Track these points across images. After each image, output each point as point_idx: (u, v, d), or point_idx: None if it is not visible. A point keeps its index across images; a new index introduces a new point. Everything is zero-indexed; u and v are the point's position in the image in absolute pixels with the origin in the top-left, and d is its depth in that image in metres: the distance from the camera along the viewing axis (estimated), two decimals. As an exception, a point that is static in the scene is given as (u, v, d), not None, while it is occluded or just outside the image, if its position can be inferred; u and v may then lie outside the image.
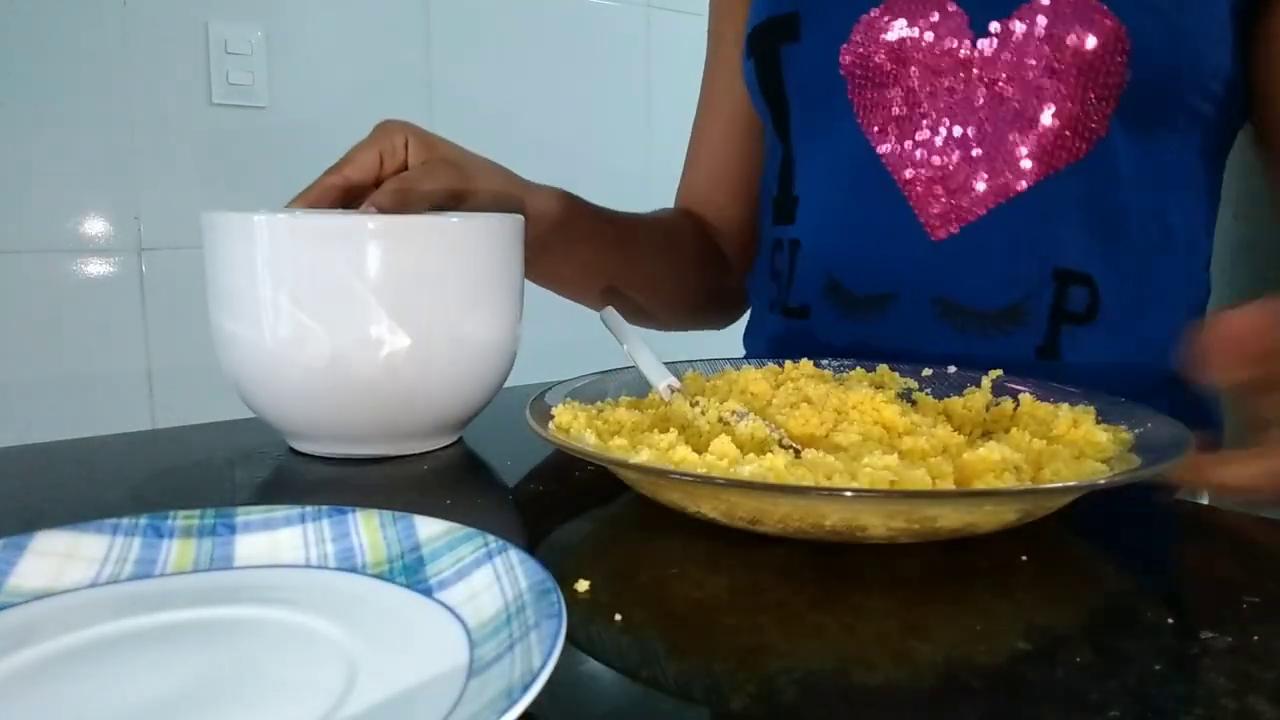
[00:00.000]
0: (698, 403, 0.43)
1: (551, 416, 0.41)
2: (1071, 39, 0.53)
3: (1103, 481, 0.33)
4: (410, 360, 0.43)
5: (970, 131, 0.56)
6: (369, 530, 0.31)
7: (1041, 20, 0.53)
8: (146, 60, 1.17)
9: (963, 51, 0.56)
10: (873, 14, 0.58)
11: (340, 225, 0.43)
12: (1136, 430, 0.40)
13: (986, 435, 0.44)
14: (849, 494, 0.31)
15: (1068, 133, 0.54)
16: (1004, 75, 0.55)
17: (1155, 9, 0.52)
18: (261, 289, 0.43)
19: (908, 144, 0.58)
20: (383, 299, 0.42)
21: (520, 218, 0.48)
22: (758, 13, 0.65)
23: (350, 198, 0.49)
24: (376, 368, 0.43)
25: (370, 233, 0.42)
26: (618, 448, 0.37)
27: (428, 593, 0.28)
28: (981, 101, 0.56)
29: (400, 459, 0.46)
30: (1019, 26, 0.54)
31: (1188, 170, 0.58)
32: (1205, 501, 0.62)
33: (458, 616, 0.26)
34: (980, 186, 0.56)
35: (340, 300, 0.42)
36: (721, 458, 0.36)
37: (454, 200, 0.50)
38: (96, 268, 1.17)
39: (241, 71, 1.23)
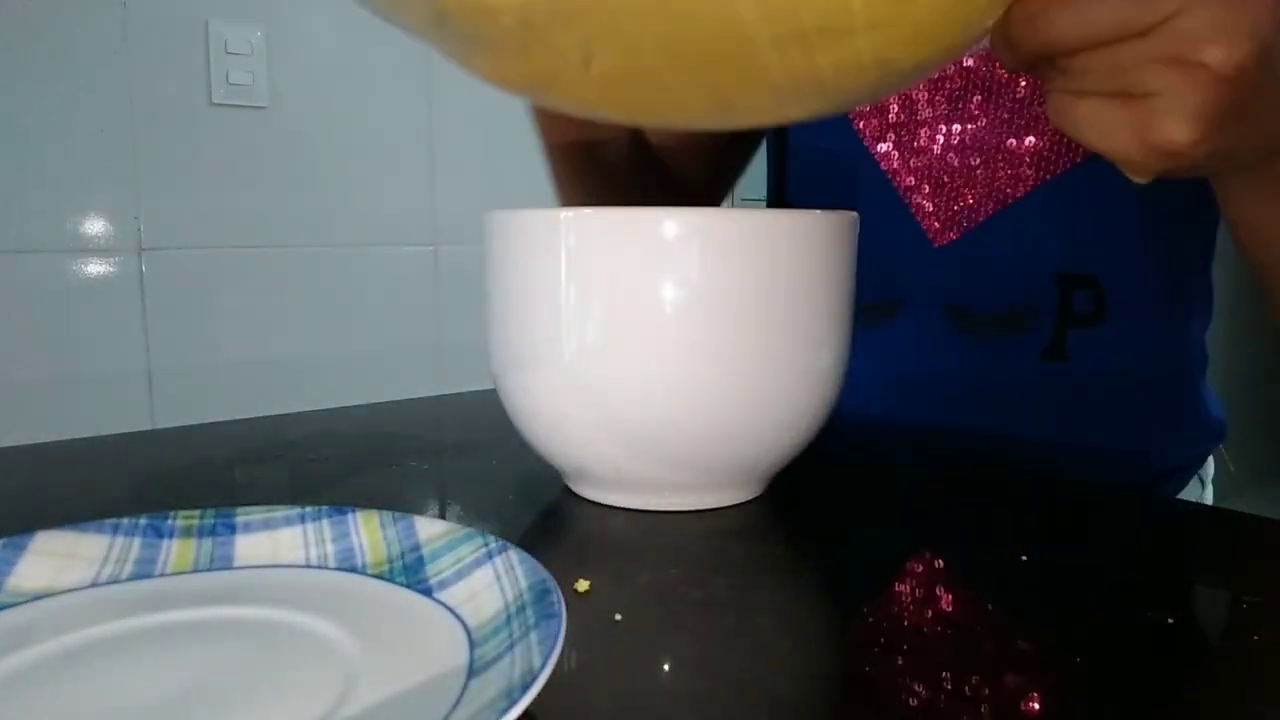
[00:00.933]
0: None
1: None
2: None
3: None
4: (735, 388, 0.36)
5: (968, 138, 0.56)
6: (369, 530, 0.31)
7: None
8: (146, 60, 1.17)
9: (964, 59, 0.56)
10: None
11: (655, 223, 0.35)
12: None
13: None
14: None
15: (1065, 139, 0.54)
16: (1002, 81, 0.55)
17: None
18: (564, 299, 0.36)
19: (906, 149, 0.58)
20: (711, 309, 0.35)
21: (854, 215, 0.40)
22: None
23: None
24: (695, 398, 0.36)
25: (695, 231, 0.35)
26: None
27: (428, 593, 0.28)
28: (978, 109, 0.56)
29: (390, 465, 0.46)
30: None
31: None
32: (1207, 502, 0.63)
33: (458, 616, 0.26)
34: (979, 193, 0.56)
35: (654, 312, 0.35)
36: None
37: None
38: (96, 268, 1.17)
39: (241, 71, 1.23)
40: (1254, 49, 0.27)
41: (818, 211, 0.37)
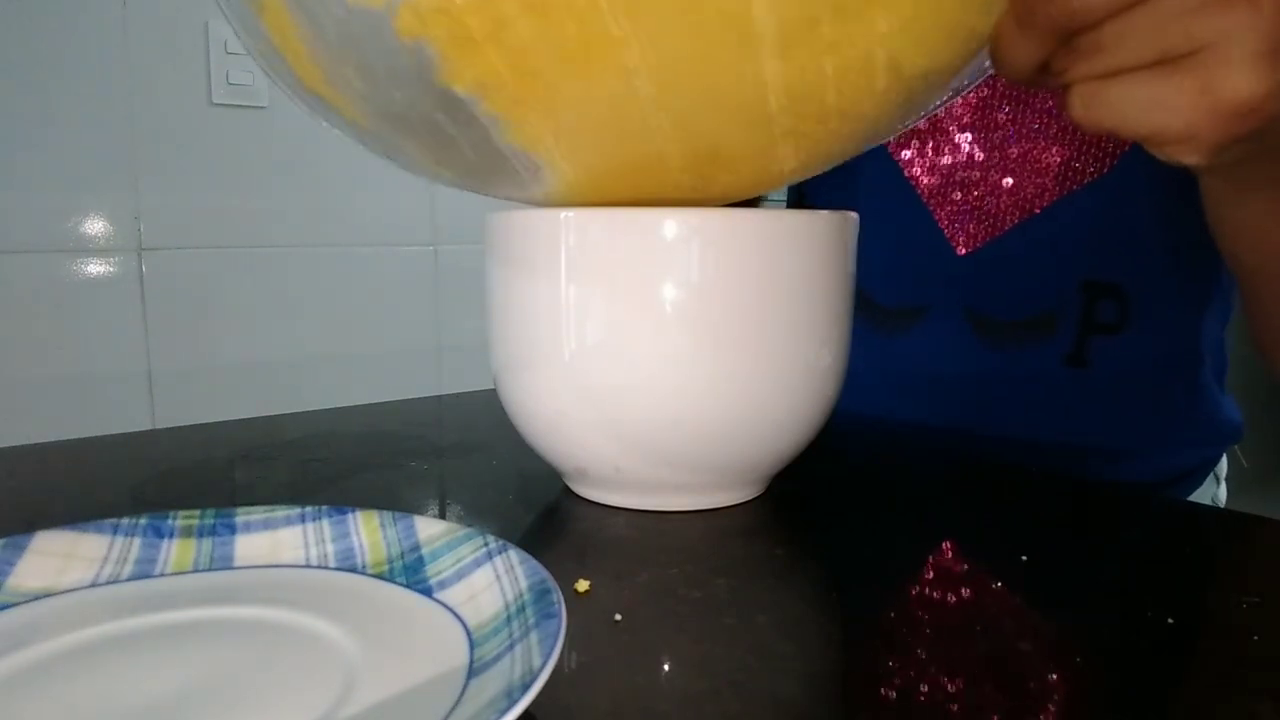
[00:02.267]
0: None
1: None
2: None
3: None
4: (735, 388, 0.36)
5: (993, 148, 0.56)
6: (369, 530, 0.31)
7: None
8: (146, 60, 1.17)
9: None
10: None
11: (655, 223, 0.35)
12: None
13: None
14: None
15: (1090, 150, 0.54)
16: (1027, 93, 0.55)
17: None
18: (564, 299, 0.36)
19: (930, 158, 0.58)
20: (711, 310, 0.35)
21: (854, 215, 0.39)
22: None
23: None
24: (695, 398, 0.36)
25: (695, 231, 0.35)
26: None
27: (428, 593, 0.28)
28: (1004, 118, 0.56)
29: (390, 465, 0.46)
30: None
31: None
32: (1222, 499, 0.63)
33: (458, 616, 0.26)
34: (1002, 203, 0.56)
35: (654, 312, 0.35)
36: None
37: None
38: (96, 268, 1.17)
39: (241, 71, 1.23)
40: None
41: (818, 211, 0.37)
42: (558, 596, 0.24)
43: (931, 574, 0.33)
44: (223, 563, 0.31)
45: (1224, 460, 0.63)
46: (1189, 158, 0.27)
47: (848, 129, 0.30)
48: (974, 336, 0.57)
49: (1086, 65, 0.26)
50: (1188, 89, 0.24)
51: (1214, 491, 0.62)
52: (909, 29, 0.26)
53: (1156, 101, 0.25)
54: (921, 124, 0.58)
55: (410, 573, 0.29)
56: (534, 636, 0.23)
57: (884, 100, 0.29)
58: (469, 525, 0.31)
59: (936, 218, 0.58)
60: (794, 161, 0.32)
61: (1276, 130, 0.27)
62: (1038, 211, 0.55)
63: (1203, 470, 0.60)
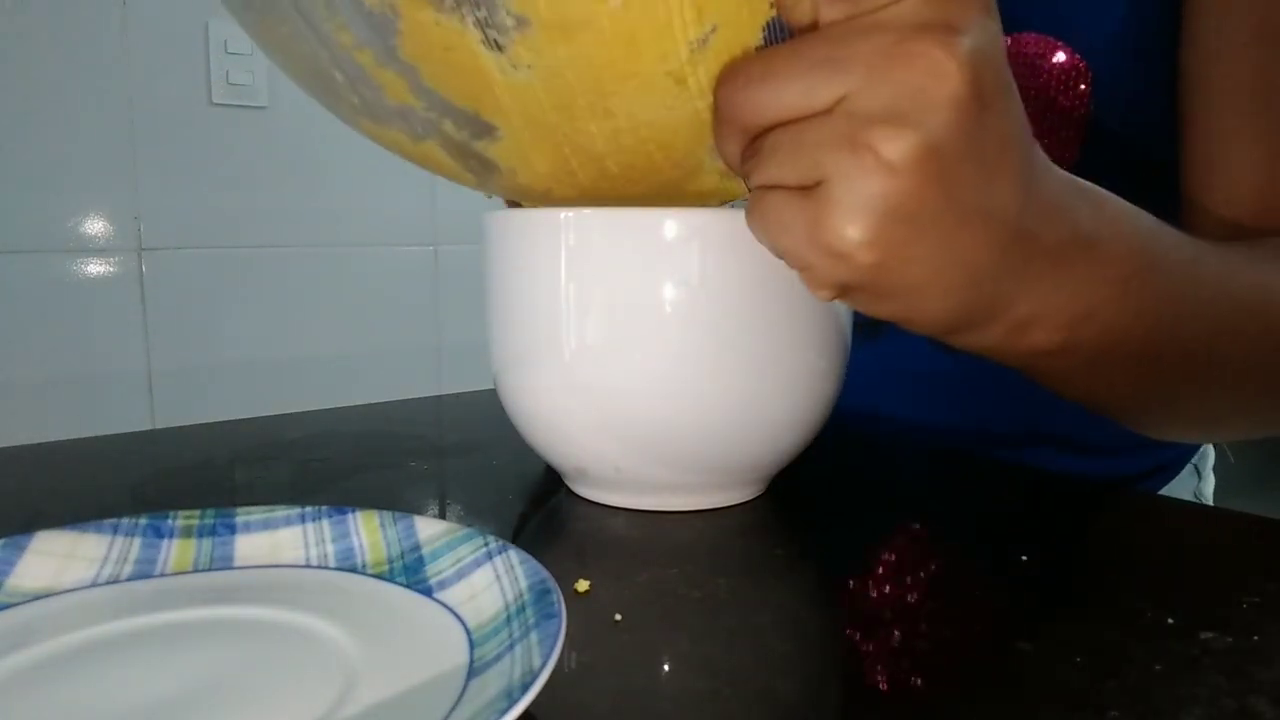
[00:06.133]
0: None
1: None
2: (1039, 64, 0.52)
3: None
4: (735, 388, 0.36)
5: None
6: (369, 530, 0.31)
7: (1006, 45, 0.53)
8: (146, 60, 1.17)
9: None
10: None
11: (655, 223, 0.35)
12: None
13: None
14: None
15: (1054, 135, 0.54)
16: None
17: (1116, 44, 0.52)
18: (564, 299, 0.36)
19: None
20: (711, 310, 0.35)
21: None
22: None
23: None
24: (695, 398, 0.36)
25: (695, 231, 0.35)
26: None
27: (428, 593, 0.28)
28: None
29: (390, 465, 0.46)
30: None
31: (1164, 184, 0.58)
32: (1207, 492, 0.63)
33: (458, 616, 0.26)
34: None
35: (654, 312, 0.35)
36: None
37: None
38: (96, 268, 1.17)
39: (241, 71, 1.23)
40: (923, 143, 0.24)
41: None
42: (558, 596, 0.24)
43: (931, 573, 0.33)
44: (223, 563, 0.31)
45: (1210, 452, 0.63)
46: (814, 291, 0.28)
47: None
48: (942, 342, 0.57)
49: (758, 172, 0.27)
50: (804, 219, 0.26)
51: (1195, 485, 0.62)
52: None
53: (784, 224, 0.26)
54: None
55: (410, 573, 0.29)
56: (534, 636, 0.23)
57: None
58: (469, 525, 0.31)
59: None
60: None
61: (902, 302, 0.28)
62: None
63: (1178, 463, 0.60)
